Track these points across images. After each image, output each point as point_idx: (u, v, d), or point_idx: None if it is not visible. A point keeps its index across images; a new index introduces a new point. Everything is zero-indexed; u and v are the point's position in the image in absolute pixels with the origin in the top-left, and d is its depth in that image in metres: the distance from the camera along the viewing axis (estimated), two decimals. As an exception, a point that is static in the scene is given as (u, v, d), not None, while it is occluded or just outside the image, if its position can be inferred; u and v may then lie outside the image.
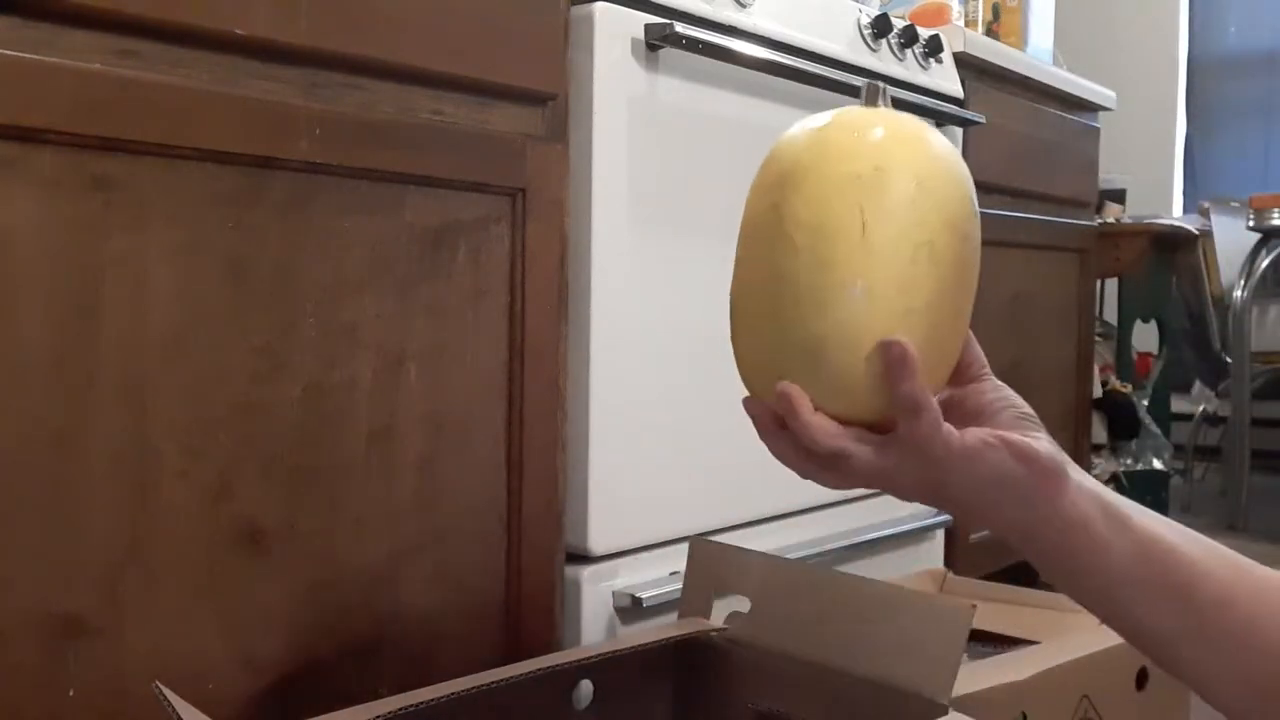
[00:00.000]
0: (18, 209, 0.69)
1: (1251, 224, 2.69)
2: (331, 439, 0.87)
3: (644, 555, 1.14)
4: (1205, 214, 2.99)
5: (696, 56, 1.16)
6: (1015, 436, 0.59)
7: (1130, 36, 3.89)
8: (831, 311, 0.57)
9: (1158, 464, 2.54)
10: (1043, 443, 0.59)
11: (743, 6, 1.24)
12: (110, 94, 0.73)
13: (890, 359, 0.56)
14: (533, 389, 1.02)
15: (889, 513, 1.50)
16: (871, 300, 0.56)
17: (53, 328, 0.71)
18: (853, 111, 0.62)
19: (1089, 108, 2.21)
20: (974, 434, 0.58)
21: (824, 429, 0.58)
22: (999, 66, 1.84)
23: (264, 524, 0.83)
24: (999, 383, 0.65)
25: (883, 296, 0.56)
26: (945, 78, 1.62)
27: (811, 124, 0.61)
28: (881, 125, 0.60)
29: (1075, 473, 0.60)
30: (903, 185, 0.57)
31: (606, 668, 0.87)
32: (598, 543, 1.09)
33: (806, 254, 0.57)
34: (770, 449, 0.61)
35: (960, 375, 0.65)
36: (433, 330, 0.94)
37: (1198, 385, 3.26)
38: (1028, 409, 0.62)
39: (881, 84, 0.63)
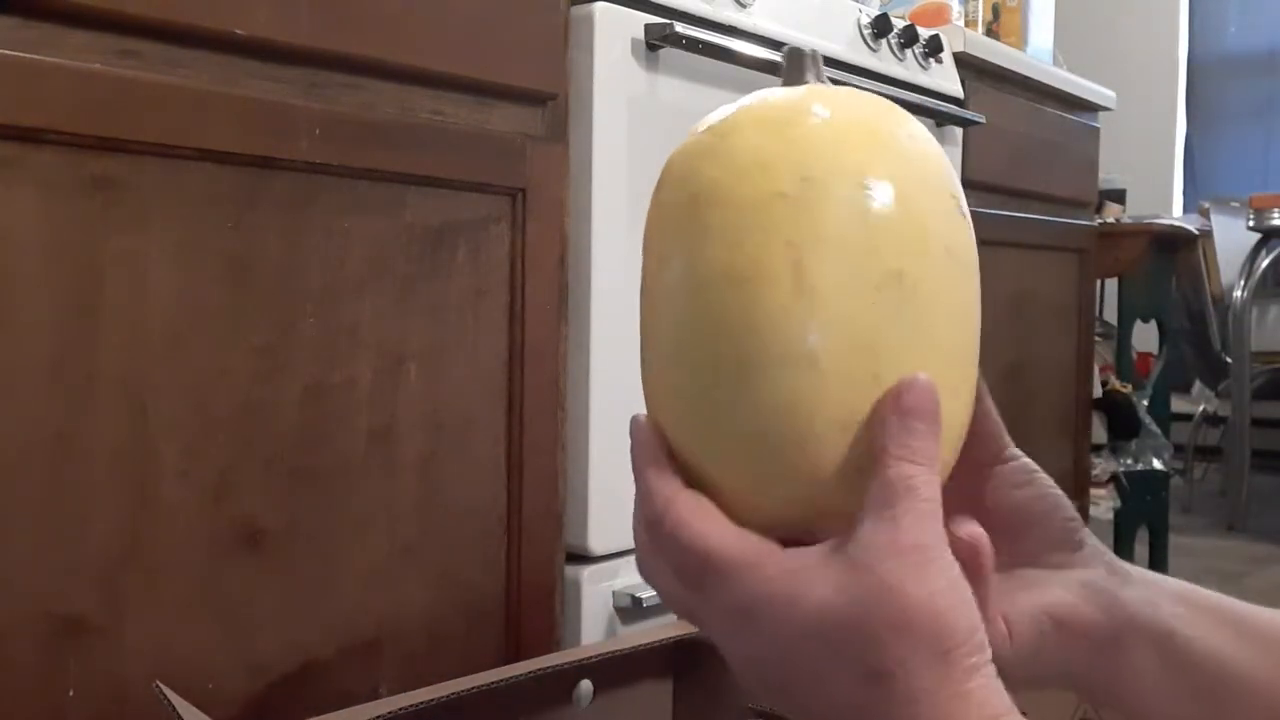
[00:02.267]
0: (18, 209, 0.69)
1: (1251, 224, 2.69)
2: (331, 439, 0.87)
3: (644, 555, 1.14)
4: (1205, 214, 2.99)
5: (696, 56, 1.16)
6: (1065, 605, 0.48)
7: (1130, 36, 3.89)
8: (769, 394, 0.40)
9: (1158, 464, 2.54)
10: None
11: (743, 6, 1.24)
12: (110, 94, 0.73)
13: (880, 418, 0.40)
14: (533, 389, 1.02)
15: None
16: (822, 371, 0.40)
17: (53, 328, 0.71)
18: (770, 96, 0.45)
19: (1089, 108, 2.21)
20: (1026, 618, 0.47)
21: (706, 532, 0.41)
22: (999, 66, 1.84)
23: (264, 524, 0.83)
24: (1027, 461, 0.51)
25: (837, 362, 0.40)
26: (945, 78, 1.62)
27: (719, 116, 0.45)
28: (807, 111, 0.43)
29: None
30: (846, 196, 0.40)
31: (606, 668, 0.87)
32: (598, 542, 1.09)
33: (730, 314, 0.41)
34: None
35: (975, 451, 0.48)
36: (433, 330, 0.94)
37: (1198, 385, 3.26)
38: (1069, 506, 0.51)
39: (807, 49, 0.47)
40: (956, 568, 0.39)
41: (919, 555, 0.38)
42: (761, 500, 0.42)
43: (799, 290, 0.40)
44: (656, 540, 0.42)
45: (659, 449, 0.44)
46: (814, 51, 0.47)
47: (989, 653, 0.39)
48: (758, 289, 0.40)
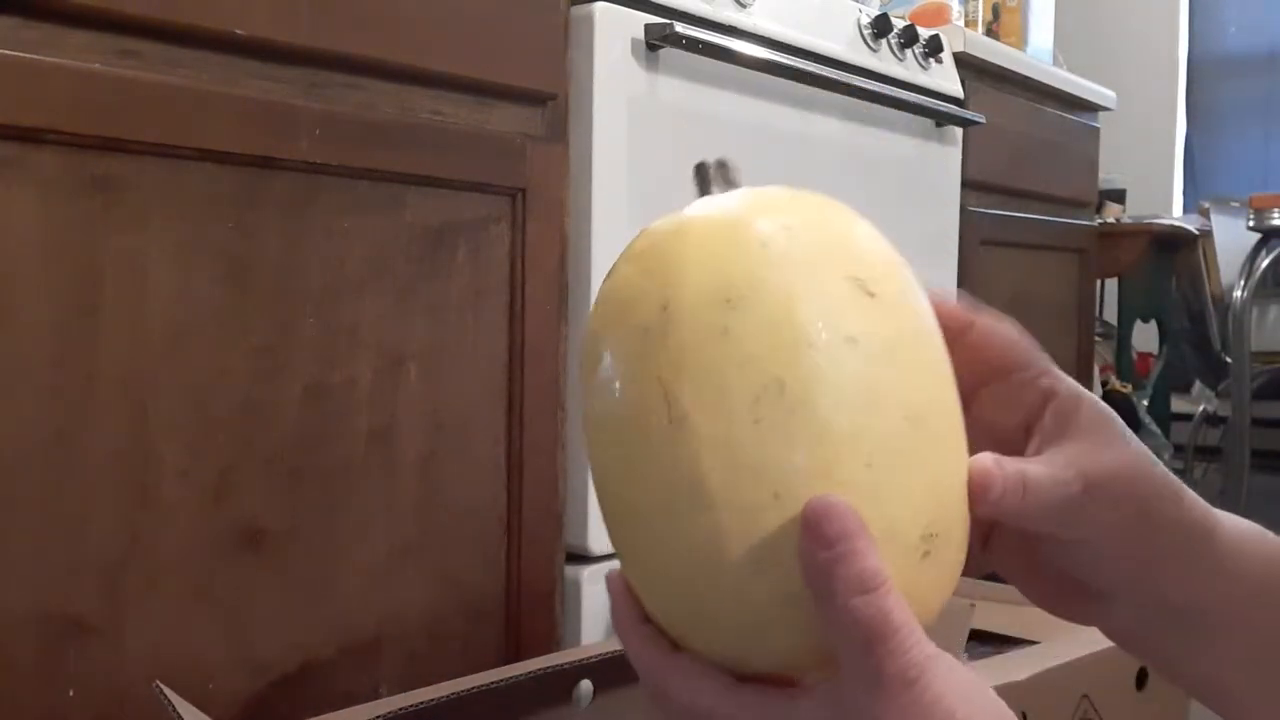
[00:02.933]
0: (18, 209, 0.69)
1: (1251, 224, 2.68)
2: (331, 439, 0.87)
3: (644, 555, 1.14)
4: (1205, 214, 2.99)
5: (696, 56, 1.16)
6: None
7: (1130, 36, 3.89)
8: (675, 540, 0.38)
9: (1158, 464, 2.53)
10: None
11: (743, 6, 1.24)
12: (110, 94, 0.73)
13: (806, 557, 0.36)
14: (533, 389, 1.02)
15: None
16: (712, 504, 0.36)
17: (53, 328, 0.71)
18: (655, 223, 0.42)
19: (1089, 108, 2.21)
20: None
21: (689, 680, 0.39)
22: (999, 66, 1.84)
23: (264, 524, 0.83)
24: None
25: (725, 492, 0.36)
26: (945, 78, 1.62)
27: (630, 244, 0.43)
28: (672, 233, 0.40)
29: None
30: (705, 315, 0.37)
31: (606, 668, 0.87)
32: (598, 542, 1.09)
33: (626, 461, 0.39)
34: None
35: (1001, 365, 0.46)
36: (433, 330, 0.94)
37: (1198, 385, 3.26)
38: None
39: (714, 161, 0.44)
40: (958, 674, 0.37)
41: (913, 697, 0.36)
42: (711, 649, 0.39)
43: (672, 424, 0.37)
44: (657, 705, 0.41)
45: (630, 605, 0.41)
46: (720, 161, 0.43)
47: None
48: (639, 432, 0.38)
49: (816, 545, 0.35)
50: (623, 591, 0.41)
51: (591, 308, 0.42)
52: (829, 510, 0.35)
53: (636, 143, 1.11)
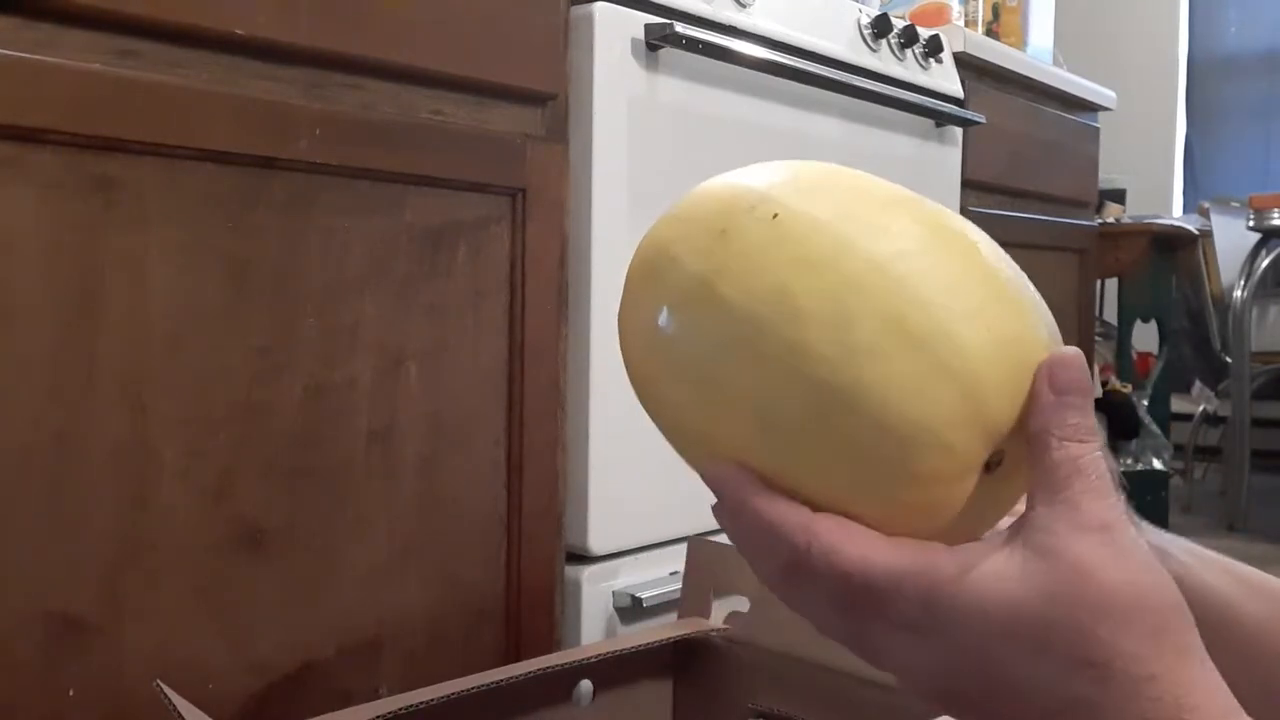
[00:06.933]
0: (18, 209, 0.69)
1: (1251, 224, 2.68)
2: (331, 439, 0.87)
3: (644, 555, 1.14)
4: (1205, 214, 2.99)
5: (696, 56, 1.16)
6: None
7: (1130, 36, 3.89)
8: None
9: (1158, 464, 2.54)
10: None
11: (743, 6, 1.24)
12: (110, 94, 0.73)
13: (1037, 394, 0.37)
14: (533, 389, 1.02)
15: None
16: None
17: (53, 328, 0.71)
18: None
19: (1089, 108, 2.21)
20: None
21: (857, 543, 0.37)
22: (999, 66, 1.84)
23: (264, 524, 0.83)
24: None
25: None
26: (945, 78, 1.62)
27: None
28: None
29: None
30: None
31: (606, 668, 0.87)
32: (598, 543, 1.09)
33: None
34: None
35: None
36: (433, 330, 0.94)
37: (1198, 385, 3.26)
38: None
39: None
40: (1144, 543, 0.36)
41: (1107, 535, 0.35)
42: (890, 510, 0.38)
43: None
44: (801, 575, 0.38)
45: (758, 481, 0.39)
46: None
47: (1197, 634, 0.35)
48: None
49: (1048, 387, 0.37)
50: (738, 468, 0.40)
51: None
52: (1068, 361, 0.38)
53: (636, 143, 1.12)
